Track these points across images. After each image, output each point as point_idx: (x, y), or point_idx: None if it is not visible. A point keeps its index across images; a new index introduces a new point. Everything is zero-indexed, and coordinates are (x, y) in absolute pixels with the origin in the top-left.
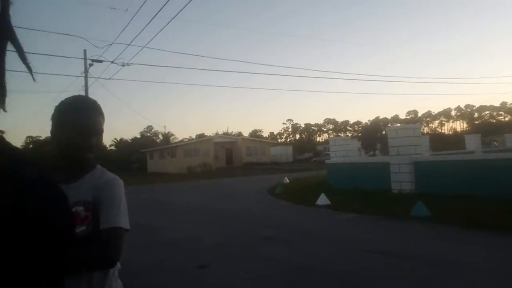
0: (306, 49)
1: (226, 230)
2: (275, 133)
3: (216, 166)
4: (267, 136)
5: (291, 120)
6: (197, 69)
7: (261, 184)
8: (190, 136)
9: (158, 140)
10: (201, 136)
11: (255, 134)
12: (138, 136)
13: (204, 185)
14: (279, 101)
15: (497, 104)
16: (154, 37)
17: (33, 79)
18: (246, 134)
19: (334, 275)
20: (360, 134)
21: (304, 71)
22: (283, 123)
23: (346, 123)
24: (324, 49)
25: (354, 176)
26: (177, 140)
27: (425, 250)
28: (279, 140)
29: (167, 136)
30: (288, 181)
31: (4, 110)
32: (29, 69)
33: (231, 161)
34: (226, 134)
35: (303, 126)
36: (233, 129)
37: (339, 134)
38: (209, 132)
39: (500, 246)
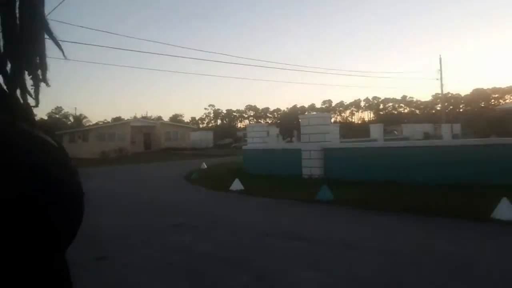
0: (224, 35)
1: (132, 218)
2: (196, 118)
3: (133, 151)
4: (189, 121)
5: (213, 105)
6: (108, 47)
7: (178, 170)
8: (106, 120)
9: (68, 123)
10: (117, 119)
11: (176, 119)
12: (45, 117)
13: (118, 171)
14: (201, 86)
15: (398, 97)
16: (55, 8)
17: (64, 56)
18: (166, 118)
19: (236, 261)
20: (279, 121)
21: (223, 56)
22: (205, 109)
23: (266, 110)
24: (243, 36)
25: (269, 162)
26: (90, 124)
27: (323, 231)
28: (201, 126)
29: (78, 119)
30: (205, 166)
31: (47, 84)
32: (58, 45)
33: (149, 146)
34: (145, 118)
35: (225, 112)
36: (153, 113)
37: (259, 120)
38: (127, 116)
39: (388, 225)
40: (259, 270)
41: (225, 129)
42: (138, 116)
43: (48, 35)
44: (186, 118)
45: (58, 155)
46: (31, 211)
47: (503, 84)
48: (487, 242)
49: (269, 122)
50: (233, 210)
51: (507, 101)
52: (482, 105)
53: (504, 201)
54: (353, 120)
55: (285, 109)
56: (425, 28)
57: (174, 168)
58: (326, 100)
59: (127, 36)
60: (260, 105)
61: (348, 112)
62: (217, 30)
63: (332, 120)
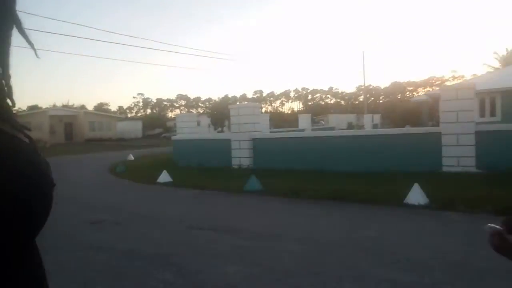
0: (150, 19)
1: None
2: (124, 108)
3: (53, 143)
4: (116, 110)
5: (142, 94)
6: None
7: (102, 162)
8: (20, 108)
9: None
10: (33, 108)
11: (101, 108)
12: None
13: None
14: (129, 74)
15: (326, 88)
16: None
17: (36, 55)
18: (90, 107)
19: (159, 258)
20: (210, 111)
21: (148, 42)
22: (134, 97)
23: (198, 99)
24: (171, 22)
25: (198, 152)
26: None
27: (251, 223)
28: (129, 115)
29: None
30: (133, 158)
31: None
32: (31, 44)
33: (70, 137)
34: (66, 106)
35: (155, 101)
36: (76, 102)
37: (191, 110)
38: (45, 104)
39: (314, 214)
40: (184, 266)
41: (155, 119)
42: (58, 104)
43: (20, 33)
44: (113, 107)
45: (27, 149)
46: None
47: (417, 78)
48: (401, 226)
49: (201, 111)
50: (159, 203)
51: (420, 93)
52: (399, 97)
53: (416, 187)
54: (283, 110)
55: (217, 99)
56: (352, 24)
57: (98, 160)
58: (257, 90)
59: (42, 17)
60: (192, 95)
61: (278, 102)
62: (143, 12)
63: (263, 110)
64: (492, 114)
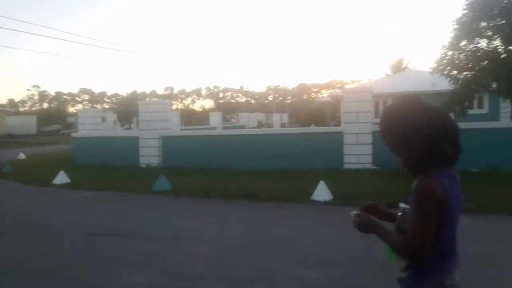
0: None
1: None
2: (16, 101)
3: None
4: (5, 103)
5: (38, 86)
6: None
7: None
8: None
9: None
10: None
11: None
12: None
13: None
14: (23, 64)
15: (237, 87)
16: None
17: None
18: None
19: (52, 271)
20: (117, 107)
21: (45, 29)
22: (28, 90)
23: (103, 94)
24: (73, 9)
25: (102, 151)
26: None
27: (158, 226)
28: (21, 109)
29: None
30: (24, 157)
31: None
32: None
33: None
34: None
35: (53, 94)
36: None
37: (95, 105)
38: None
39: (224, 214)
40: (80, 279)
41: (53, 114)
42: None
43: None
44: (2, 100)
45: None
46: None
47: (321, 80)
48: (309, 223)
49: (107, 107)
50: (54, 208)
51: (324, 95)
52: (305, 97)
53: (321, 184)
54: (194, 108)
55: (125, 94)
56: (263, 25)
57: None
58: (168, 87)
59: None
60: (97, 89)
61: (189, 99)
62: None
63: (174, 107)
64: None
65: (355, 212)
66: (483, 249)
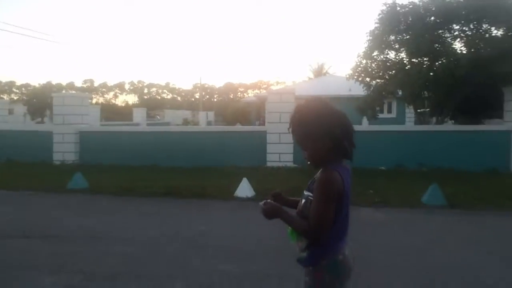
0: None
1: None
2: None
3: None
4: None
5: None
6: None
7: None
8: None
9: None
10: None
11: None
12: None
13: None
14: None
15: (163, 83)
16: None
17: None
18: None
19: None
20: (27, 99)
21: None
22: None
23: (12, 84)
24: None
25: (9, 146)
26: None
27: (72, 225)
28: None
29: None
30: None
31: None
32: None
33: None
34: None
35: None
36: None
37: (2, 96)
38: None
39: (145, 212)
40: None
41: None
42: None
43: None
44: None
45: None
46: None
47: (247, 80)
48: (230, 218)
49: (15, 98)
50: None
51: (250, 95)
52: (231, 96)
53: (244, 181)
54: (116, 103)
55: (37, 85)
56: (191, 23)
57: None
58: (87, 79)
59: None
60: (4, 78)
61: (111, 94)
62: None
63: (94, 101)
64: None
65: (261, 202)
66: (389, 239)
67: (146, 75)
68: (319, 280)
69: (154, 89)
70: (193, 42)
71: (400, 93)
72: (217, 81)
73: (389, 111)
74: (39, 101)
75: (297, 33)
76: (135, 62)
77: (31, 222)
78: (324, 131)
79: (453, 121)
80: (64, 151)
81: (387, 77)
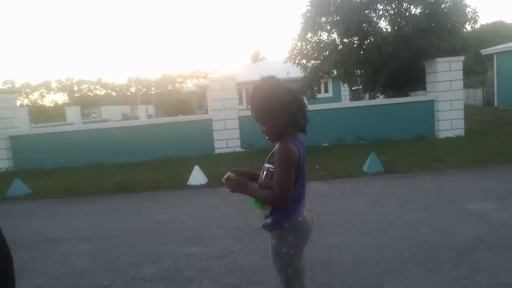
0: None
1: None
2: None
3: None
4: None
5: None
6: None
7: None
8: None
9: None
10: None
11: None
12: None
13: None
14: None
15: (94, 79)
16: None
17: None
18: None
19: None
20: None
21: None
22: None
23: None
24: None
25: None
26: None
27: (20, 234)
28: None
29: None
30: None
31: None
32: None
33: None
34: None
35: None
36: None
37: None
38: None
39: (95, 210)
40: None
41: None
42: None
43: None
44: None
45: None
46: None
47: (184, 70)
48: (187, 206)
49: None
50: None
51: (189, 85)
52: (170, 88)
53: (196, 169)
54: (44, 104)
55: None
56: (121, 14)
57: None
58: (7, 80)
59: None
60: None
61: (37, 94)
62: None
63: (18, 103)
64: (247, 102)
65: (227, 175)
66: (337, 204)
67: (74, 72)
68: (284, 240)
69: (85, 85)
70: (124, 34)
71: (335, 72)
72: (153, 73)
73: (326, 91)
74: None
75: (231, 20)
76: (61, 58)
77: None
78: (281, 107)
79: (383, 96)
80: None
81: (321, 58)
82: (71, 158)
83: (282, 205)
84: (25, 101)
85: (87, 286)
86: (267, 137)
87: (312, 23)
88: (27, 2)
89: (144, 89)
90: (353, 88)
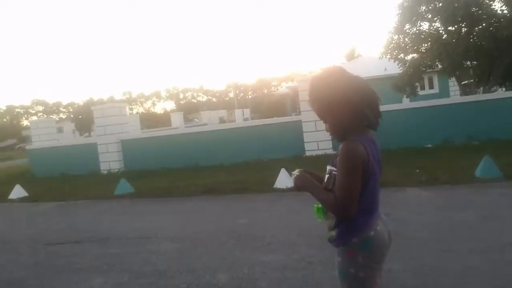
0: None
1: None
2: None
3: None
4: None
5: None
6: None
7: None
8: None
9: None
10: None
11: None
12: None
13: None
14: None
15: (197, 86)
16: None
17: None
18: None
19: (11, 285)
20: (73, 116)
21: None
22: None
23: (59, 104)
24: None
25: (61, 161)
26: None
27: (120, 228)
28: None
29: None
30: None
31: None
32: None
33: None
34: None
35: (4, 108)
36: None
37: (50, 116)
38: None
39: (187, 211)
40: (40, 287)
41: (6, 129)
42: None
43: None
44: None
45: None
46: None
47: (279, 74)
48: (271, 210)
49: (63, 117)
50: (9, 222)
51: (283, 87)
52: (265, 91)
53: (282, 172)
54: (155, 111)
55: (81, 103)
56: (217, 24)
57: None
58: (126, 92)
59: None
60: (50, 99)
61: (149, 102)
62: None
63: (134, 111)
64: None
65: (293, 173)
66: (436, 217)
67: (180, 81)
68: (352, 259)
69: (189, 93)
70: (221, 43)
71: (439, 65)
72: (249, 78)
73: (431, 87)
74: (85, 117)
75: (324, 19)
76: (168, 69)
77: (82, 228)
78: (341, 99)
79: (502, 88)
80: (109, 160)
81: (422, 50)
82: (172, 160)
83: (344, 214)
84: (140, 109)
85: (165, 287)
86: (333, 136)
87: (410, 13)
88: (138, 22)
89: (241, 94)
90: (463, 82)
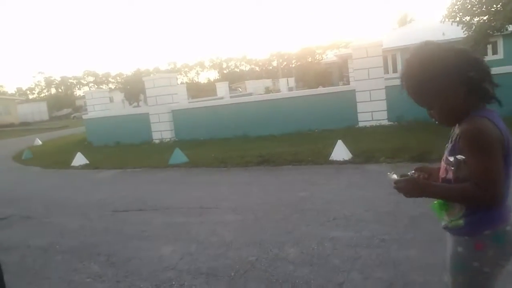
0: None
1: None
2: (24, 89)
3: None
4: (14, 92)
5: (42, 72)
6: None
7: (4, 151)
8: None
9: None
10: None
11: None
12: None
13: None
14: (25, 50)
15: (239, 56)
16: None
17: None
18: None
19: (83, 249)
20: (122, 86)
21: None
22: (34, 77)
23: (107, 75)
24: None
25: (115, 130)
26: None
27: (179, 197)
28: (30, 97)
29: None
30: (40, 142)
31: None
32: None
33: None
34: None
35: (59, 79)
36: None
37: (100, 86)
38: None
39: (243, 182)
40: (113, 254)
41: (62, 99)
42: None
43: None
44: (10, 89)
45: None
46: None
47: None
48: (330, 183)
49: (112, 87)
50: (76, 189)
51: (329, 56)
52: (310, 60)
53: (339, 143)
54: (199, 81)
55: (129, 73)
56: None
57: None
58: (170, 62)
59: None
60: (100, 70)
61: (193, 72)
62: None
63: (179, 81)
64: (394, 70)
65: (391, 174)
66: None
67: (223, 50)
68: (480, 251)
69: (232, 62)
70: (265, 10)
71: (509, 28)
72: (293, 47)
73: (495, 52)
74: (133, 87)
75: None
76: (211, 38)
77: (143, 196)
78: (456, 79)
79: None
80: (161, 130)
81: (492, 12)
82: (220, 130)
83: (491, 200)
84: (185, 79)
85: (235, 259)
86: (442, 123)
87: None
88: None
89: (285, 63)
90: None
